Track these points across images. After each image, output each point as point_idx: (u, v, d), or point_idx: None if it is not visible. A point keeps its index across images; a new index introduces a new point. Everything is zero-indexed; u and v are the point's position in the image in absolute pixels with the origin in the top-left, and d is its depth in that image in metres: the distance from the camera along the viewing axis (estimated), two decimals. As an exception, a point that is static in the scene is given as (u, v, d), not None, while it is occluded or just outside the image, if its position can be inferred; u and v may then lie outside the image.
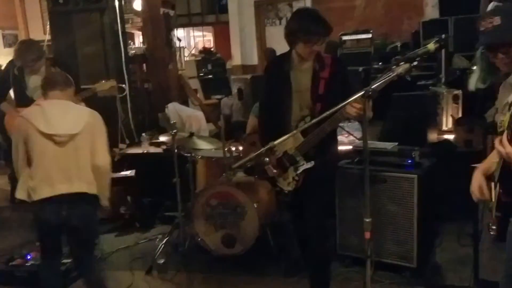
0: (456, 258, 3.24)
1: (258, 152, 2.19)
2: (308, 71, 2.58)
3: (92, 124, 2.62)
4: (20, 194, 2.63)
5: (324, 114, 2.12)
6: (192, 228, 3.45)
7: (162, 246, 3.51)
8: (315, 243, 2.69)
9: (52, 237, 2.67)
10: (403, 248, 3.01)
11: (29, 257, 3.43)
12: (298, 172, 2.58)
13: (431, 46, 1.92)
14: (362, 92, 1.85)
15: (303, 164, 2.55)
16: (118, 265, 3.49)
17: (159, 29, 5.78)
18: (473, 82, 2.31)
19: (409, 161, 3.02)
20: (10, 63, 4.00)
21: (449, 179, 3.58)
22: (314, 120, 2.23)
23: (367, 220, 1.92)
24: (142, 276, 3.30)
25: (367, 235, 1.90)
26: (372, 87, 1.83)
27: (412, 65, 1.87)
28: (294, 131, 2.36)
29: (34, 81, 3.89)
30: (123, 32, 5.10)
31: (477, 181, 1.97)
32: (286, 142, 2.53)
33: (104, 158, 2.65)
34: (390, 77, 1.83)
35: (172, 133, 3.43)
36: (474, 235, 2.89)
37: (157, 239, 3.73)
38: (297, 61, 2.60)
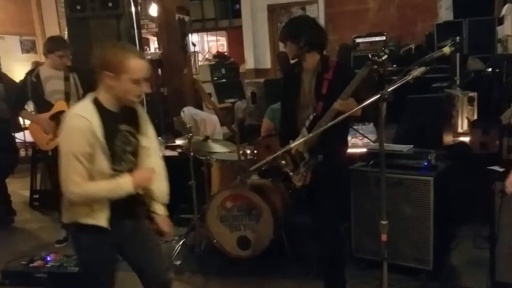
0: (471, 260, 3.23)
1: (275, 155, 2.27)
2: (313, 73, 2.77)
3: None
4: None
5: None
6: (208, 230, 3.49)
7: (179, 248, 3.55)
8: (324, 240, 2.78)
9: None
10: (419, 250, 3.01)
11: (48, 258, 3.50)
12: (307, 167, 2.72)
13: (447, 49, 1.95)
14: (378, 96, 1.87)
15: (308, 159, 2.71)
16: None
17: (174, 35, 5.86)
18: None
19: (425, 163, 3.02)
20: (28, 73, 4.07)
21: (464, 181, 3.57)
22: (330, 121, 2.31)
23: (384, 222, 1.93)
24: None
25: (383, 237, 1.92)
26: (388, 90, 1.86)
27: (428, 68, 1.89)
28: (310, 134, 2.44)
29: (51, 85, 3.94)
30: (140, 37, 5.18)
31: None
32: (297, 140, 2.67)
33: None
34: (406, 79, 1.86)
35: (188, 136, 3.47)
36: (491, 237, 2.88)
37: (174, 241, 3.76)
38: (306, 63, 2.79)
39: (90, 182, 1.99)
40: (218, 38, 12.19)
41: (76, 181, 1.95)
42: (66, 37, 5.31)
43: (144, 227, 2.25)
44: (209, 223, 3.48)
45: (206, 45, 12.01)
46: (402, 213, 3.03)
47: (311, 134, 2.37)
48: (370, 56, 2.36)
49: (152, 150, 2.21)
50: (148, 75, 2.06)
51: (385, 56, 2.29)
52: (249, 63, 9.29)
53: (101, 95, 2.04)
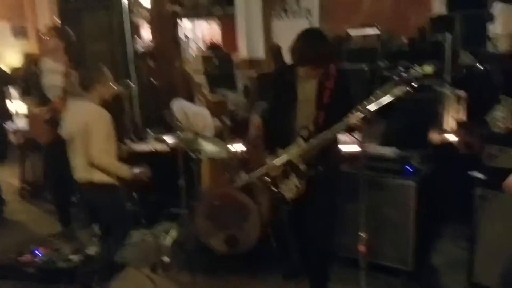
0: (452, 261, 3.32)
1: (265, 169, 2.26)
2: (313, 81, 2.65)
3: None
4: None
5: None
6: (196, 227, 3.55)
7: (167, 244, 3.62)
8: (318, 248, 2.81)
9: None
10: (399, 252, 3.10)
11: (38, 252, 3.54)
12: (301, 179, 2.65)
13: (427, 68, 1.99)
14: (362, 116, 1.90)
15: (306, 171, 2.63)
16: (125, 261, 3.58)
17: (166, 26, 5.83)
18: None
19: (409, 167, 3.08)
20: (29, 62, 4.01)
21: (449, 181, 3.64)
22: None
23: (363, 234, 1.99)
24: (147, 273, 3.41)
25: (362, 248, 1.98)
26: (371, 110, 1.89)
27: (409, 88, 1.92)
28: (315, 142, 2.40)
29: (49, 80, 3.90)
30: (131, 29, 5.16)
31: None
32: (290, 150, 2.66)
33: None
34: (389, 100, 1.89)
35: (177, 135, 3.50)
36: (470, 240, 2.96)
37: (162, 237, 3.83)
38: (305, 75, 2.65)
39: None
40: (211, 24, 12.05)
41: None
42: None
43: None
44: (198, 220, 3.54)
45: (198, 31, 11.89)
46: (385, 215, 3.10)
47: (315, 143, 2.28)
48: (400, 69, 2.24)
49: None
50: None
51: (416, 74, 2.17)
52: (243, 53, 9.22)
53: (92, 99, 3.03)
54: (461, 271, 3.02)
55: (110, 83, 3.13)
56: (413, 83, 1.95)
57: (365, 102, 2.36)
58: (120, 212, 3.22)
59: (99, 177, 3.01)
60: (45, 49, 4.00)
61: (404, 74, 2.20)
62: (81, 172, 3.06)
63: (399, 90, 1.90)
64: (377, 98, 2.28)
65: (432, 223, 3.49)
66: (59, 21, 5.23)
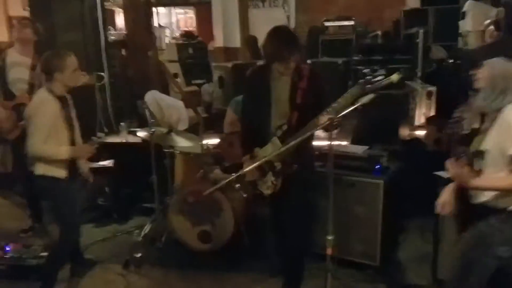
0: (418, 255, 3.44)
1: (245, 170, 2.31)
2: (287, 82, 2.72)
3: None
4: None
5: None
6: (169, 223, 3.56)
7: (139, 240, 3.62)
8: (293, 243, 2.91)
9: None
10: (367, 247, 3.19)
11: (8, 249, 3.49)
12: (277, 176, 2.75)
13: (394, 77, 2.05)
14: (327, 123, 1.96)
15: (281, 168, 2.72)
16: (96, 257, 3.58)
17: (139, 15, 5.73)
18: None
19: (377, 166, 3.16)
20: None
21: (417, 177, 3.75)
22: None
23: (330, 237, 2.05)
24: (119, 269, 3.41)
25: (329, 251, 2.04)
26: (339, 115, 1.95)
27: (375, 96, 1.98)
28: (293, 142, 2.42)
29: (15, 73, 3.81)
30: (104, 18, 5.05)
31: (444, 197, 2.18)
32: (266, 149, 2.75)
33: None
34: (355, 106, 1.95)
35: (150, 131, 3.49)
36: (434, 236, 3.07)
37: (135, 233, 3.83)
38: (277, 73, 2.72)
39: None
40: (187, 11, 11.90)
41: None
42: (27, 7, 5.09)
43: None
44: (171, 216, 3.55)
45: (174, 17, 11.72)
46: (354, 212, 3.19)
47: (293, 143, 2.33)
48: (365, 73, 2.36)
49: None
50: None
51: (381, 77, 2.29)
52: (218, 41, 9.16)
53: (52, 87, 2.91)
54: (427, 266, 3.13)
55: (74, 71, 2.95)
56: (380, 91, 2.03)
57: (335, 105, 2.43)
58: (62, 207, 3.05)
59: (39, 169, 2.92)
60: (16, 39, 3.87)
61: (371, 78, 2.28)
62: (30, 164, 3.00)
63: (367, 99, 1.98)
64: (345, 102, 2.36)
65: (399, 219, 3.60)
66: (30, 10, 5.06)
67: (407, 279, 3.22)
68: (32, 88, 3.75)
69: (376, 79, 2.31)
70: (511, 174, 1.88)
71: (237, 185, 2.73)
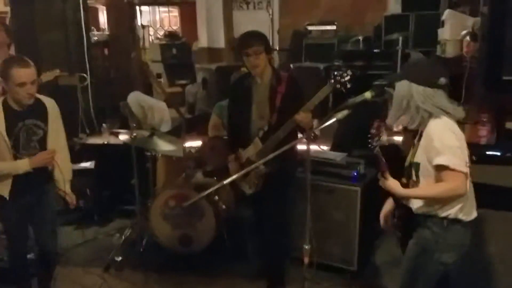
0: (394, 260, 3.52)
1: (233, 178, 2.46)
2: (267, 86, 2.92)
3: None
4: None
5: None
6: (150, 227, 3.59)
7: (120, 243, 3.64)
8: (276, 244, 3.04)
9: None
10: (345, 252, 3.28)
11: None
12: (259, 175, 2.89)
13: (368, 94, 2.15)
14: (306, 136, 2.03)
15: (262, 168, 2.83)
16: (77, 261, 3.59)
17: (122, 16, 5.72)
18: None
19: (355, 173, 3.25)
20: None
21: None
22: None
23: (307, 247, 2.12)
24: (99, 273, 3.43)
25: (306, 260, 2.11)
26: (315, 129, 2.02)
27: (350, 111, 2.07)
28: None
29: None
30: (86, 20, 5.03)
31: (384, 210, 2.29)
32: (248, 150, 2.94)
33: None
34: (330, 121, 2.04)
35: (132, 136, 3.50)
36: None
37: (116, 236, 3.84)
38: (258, 77, 2.92)
39: None
40: (171, 9, 11.87)
41: None
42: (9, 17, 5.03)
43: (47, 201, 2.83)
44: (152, 219, 3.58)
45: (158, 16, 11.68)
46: (332, 217, 3.27)
47: (270, 142, 2.49)
48: (334, 74, 2.48)
49: (57, 137, 2.79)
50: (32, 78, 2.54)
51: (348, 77, 2.45)
52: (202, 41, 9.17)
53: (9, 97, 2.60)
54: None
55: (19, 85, 2.51)
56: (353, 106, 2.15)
57: (309, 103, 2.65)
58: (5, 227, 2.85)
59: None
60: None
61: (340, 78, 2.48)
62: None
63: (341, 115, 2.10)
64: (317, 101, 2.62)
65: (376, 225, 3.68)
66: (10, 7, 5.01)
67: (383, 283, 3.32)
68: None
69: (345, 79, 2.46)
70: (438, 183, 2.00)
71: (216, 197, 2.80)
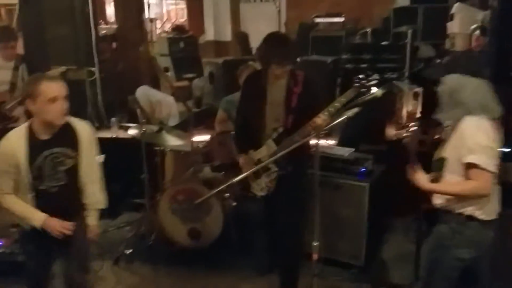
0: (402, 255, 3.55)
1: (243, 175, 2.45)
2: (282, 86, 2.81)
3: None
4: None
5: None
6: (159, 220, 3.62)
7: (130, 236, 3.68)
8: (287, 246, 2.98)
9: None
10: (352, 247, 3.30)
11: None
12: (271, 178, 2.83)
13: (378, 92, 2.14)
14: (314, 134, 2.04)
15: (275, 170, 2.79)
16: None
17: (130, 10, 5.72)
18: None
19: (362, 169, 3.26)
20: None
21: (401, 178, 3.85)
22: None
23: (315, 243, 2.13)
24: (110, 266, 3.47)
25: (315, 256, 2.12)
26: (325, 128, 2.03)
27: (360, 109, 2.08)
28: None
29: None
30: (94, 14, 5.03)
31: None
32: (261, 151, 2.85)
33: None
34: (340, 118, 2.04)
35: (141, 131, 3.53)
36: (417, 234, 3.18)
37: (125, 229, 3.88)
38: (273, 77, 2.81)
39: (12, 196, 2.31)
40: (178, 2, 11.82)
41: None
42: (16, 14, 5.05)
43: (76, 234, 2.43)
44: (161, 213, 3.61)
45: (165, 8, 11.64)
46: (340, 213, 3.29)
47: (284, 145, 2.42)
48: (359, 77, 2.45)
49: (90, 168, 2.50)
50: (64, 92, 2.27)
51: (374, 81, 2.41)
52: (209, 34, 9.16)
53: (34, 122, 2.30)
54: (410, 265, 3.21)
55: (51, 101, 2.25)
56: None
57: (331, 108, 2.56)
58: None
59: None
60: None
61: (366, 82, 2.42)
62: None
63: (351, 112, 2.09)
64: (340, 105, 2.51)
65: (384, 220, 3.70)
66: (17, 2, 5.03)
67: (390, 278, 3.34)
68: (13, 87, 3.76)
69: (370, 83, 2.40)
70: (464, 180, 2.01)
71: (227, 195, 2.77)
